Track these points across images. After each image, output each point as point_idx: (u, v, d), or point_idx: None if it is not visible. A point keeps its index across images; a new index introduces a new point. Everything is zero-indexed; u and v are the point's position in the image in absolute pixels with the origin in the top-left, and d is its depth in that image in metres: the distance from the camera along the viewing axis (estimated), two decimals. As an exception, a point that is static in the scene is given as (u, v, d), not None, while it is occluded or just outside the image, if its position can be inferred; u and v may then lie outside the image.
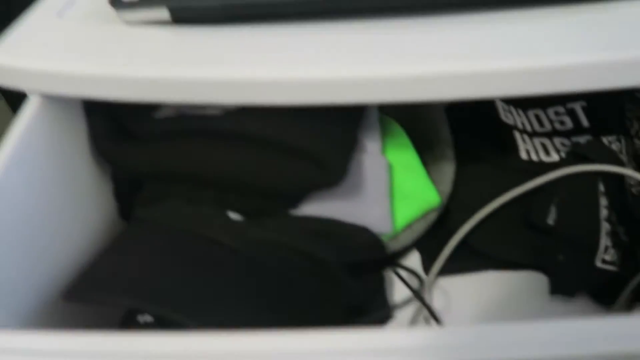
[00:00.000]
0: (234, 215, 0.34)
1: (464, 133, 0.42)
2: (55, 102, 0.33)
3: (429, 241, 0.40)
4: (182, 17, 0.32)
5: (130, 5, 0.32)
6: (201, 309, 0.27)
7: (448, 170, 0.41)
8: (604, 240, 0.36)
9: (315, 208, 0.36)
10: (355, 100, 0.31)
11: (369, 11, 0.33)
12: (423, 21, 0.32)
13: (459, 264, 0.40)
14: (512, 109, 0.44)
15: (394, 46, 0.30)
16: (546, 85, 0.30)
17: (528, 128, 0.43)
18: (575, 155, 0.39)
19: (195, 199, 0.34)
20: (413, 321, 0.38)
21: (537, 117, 0.44)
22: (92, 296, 0.28)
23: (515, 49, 0.30)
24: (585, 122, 0.43)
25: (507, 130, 0.43)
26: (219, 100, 0.31)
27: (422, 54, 0.30)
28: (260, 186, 0.33)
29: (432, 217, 0.40)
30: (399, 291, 0.40)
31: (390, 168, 0.38)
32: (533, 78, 0.29)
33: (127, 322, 0.34)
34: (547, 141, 0.43)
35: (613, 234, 0.37)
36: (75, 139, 0.36)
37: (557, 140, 0.43)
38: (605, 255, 0.36)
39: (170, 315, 0.26)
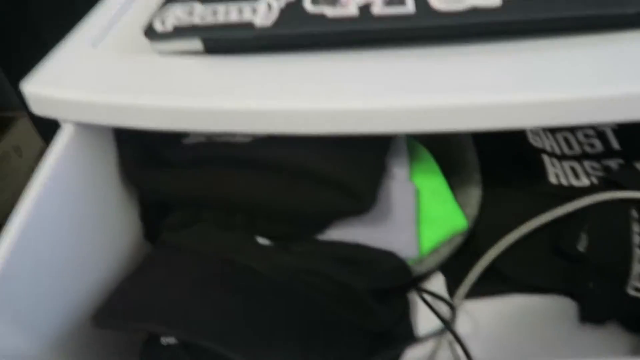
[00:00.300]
0: (262, 241, 0.34)
1: (491, 156, 0.42)
2: (88, 129, 0.34)
3: (455, 264, 0.40)
4: (214, 47, 0.33)
5: (164, 36, 0.33)
6: (228, 334, 0.27)
7: (474, 194, 0.41)
8: (636, 268, 0.36)
9: (342, 233, 0.36)
10: (385, 131, 0.31)
11: (398, 40, 0.33)
12: (450, 50, 0.32)
13: (485, 287, 0.40)
14: (541, 132, 0.43)
15: (424, 76, 0.30)
16: (576, 117, 0.29)
17: (557, 151, 0.43)
18: (607, 181, 0.38)
19: (224, 224, 0.35)
20: (437, 344, 0.38)
21: (566, 140, 0.44)
22: (119, 323, 0.29)
23: (544, 79, 0.29)
24: (615, 144, 0.43)
25: (536, 154, 0.42)
26: (249, 130, 0.31)
27: (451, 85, 0.30)
28: (289, 213, 0.34)
29: (458, 240, 0.40)
30: (422, 313, 0.40)
31: (417, 193, 0.38)
32: (563, 110, 0.29)
33: (151, 343, 0.34)
34: (576, 165, 0.42)
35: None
36: (106, 164, 0.37)
37: (587, 164, 0.42)
38: (637, 283, 0.36)
39: (197, 341, 0.26)
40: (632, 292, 0.36)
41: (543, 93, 0.29)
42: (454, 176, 0.42)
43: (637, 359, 0.36)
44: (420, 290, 0.39)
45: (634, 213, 0.37)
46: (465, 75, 0.30)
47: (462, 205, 0.41)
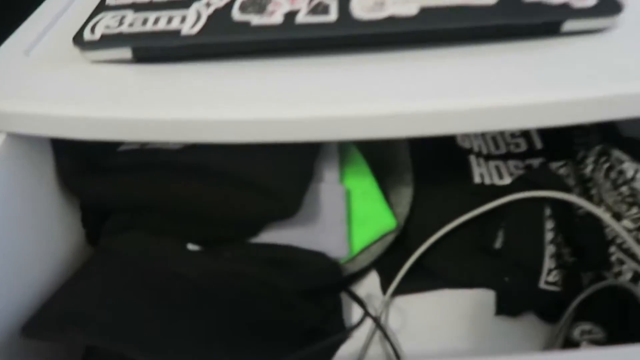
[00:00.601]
0: (192, 246, 0.35)
1: (423, 157, 0.44)
2: (22, 137, 0.34)
3: (387, 262, 0.42)
4: (144, 56, 0.34)
5: (93, 45, 0.33)
6: (156, 343, 0.28)
7: (406, 194, 0.43)
8: (548, 263, 0.38)
9: (274, 236, 0.37)
10: (312, 138, 0.31)
11: (323, 48, 0.34)
12: (372, 57, 0.33)
13: (416, 283, 0.42)
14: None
15: (351, 84, 0.31)
16: (501, 123, 0.30)
17: (484, 151, 0.45)
18: (523, 181, 0.41)
19: (158, 229, 0.36)
20: (368, 341, 0.39)
21: (494, 140, 0.46)
22: (48, 334, 0.30)
23: (460, 87, 0.30)
24: (539, 144, 0.45)
25: (463, 155, 0.45)
26: (179, 139, 0.32)
27: (370, 93, 0.31)
28: (218, 218, 0.35)
29: (390, 239, 0.42)
30: (358, 310, 0.42)
31: (347, 195, 0.40)
32: (486, 116, 0.30)
33: (92, 350, 0.35)
34: (501, 164, 0.45)
35: (557, 256, 0.39)
36: (43, 170, 0.37)
37: (511, 163, 0.45)
38: (549, 277, 0.38)
39: (125, 351, 0.27)
40: (544, 286, 0.38)
41: (459, 100, 0.30)
42: (387, 176, 0.44)
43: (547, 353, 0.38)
44: (348, 291, 0.41)
45: (548, 211, 0.40)
46: (385, 83, 0.31)
47: (394, 204, 0.43)
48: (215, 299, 0.33)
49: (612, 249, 0.38)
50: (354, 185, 0.41)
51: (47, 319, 0.30)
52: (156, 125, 0.32)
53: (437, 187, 0.44)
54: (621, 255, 0.37)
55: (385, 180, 0.43)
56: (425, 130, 0.31)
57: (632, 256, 0.37)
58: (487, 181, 0.44)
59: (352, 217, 0.40)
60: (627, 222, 0.38)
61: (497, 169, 0.44)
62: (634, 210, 0.38)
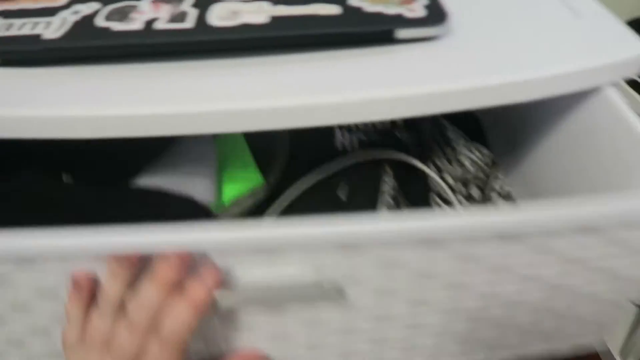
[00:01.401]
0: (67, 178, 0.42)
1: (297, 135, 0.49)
2: None
3: (258, 216, 0.49)
4: (10, 60, 0.35)
5: (-41, 49, 0.35)
6: None
7: (280, 161, 0.50)
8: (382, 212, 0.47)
9: (151, 182, 0.44)
10: (184, 133, 0.34)
11: (186, 53, 0.36)
12: (233, 62, 0.36)
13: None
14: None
15: (210, 84, 0.34)
16: (343, 117, 0.34)
17: (352, 126, 0.52)
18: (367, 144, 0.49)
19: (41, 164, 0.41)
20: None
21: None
22: None
23: (310, 86, 0.34)
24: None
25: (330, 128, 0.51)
26: (43, 136, 0.33)
27: (237, 91, 0.34)
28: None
29: (260, 195, 0.49)
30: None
31: (221, 155, 0.47)
32: (322, 113, 0.34)
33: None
34: (363, 136, 0.52)
35: (395, 204, 0.48)
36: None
37: (373, 136, 0.52)
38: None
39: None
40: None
41: (307, 97, 0.33)
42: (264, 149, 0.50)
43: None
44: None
45: (388, 169, 0.48)
46: (237, 83, 0.34)
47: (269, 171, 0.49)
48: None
49: (435, 197, 0.48)
50: (227, 149, 0.47)
51: None
52: (22, 122, 0.33)
53: (306, 154, 0.50)
54: (439, 202, 0.47)
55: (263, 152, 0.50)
56: (264, 124, 0.34)
57: (448, 202, 0.47)
58: (348, 148, 0.51)
59: (224, 174, 0.47)
60: (447, 176, 0.47)
61: (359, 139, 0.51)
62: (455, 166, 0.47)
